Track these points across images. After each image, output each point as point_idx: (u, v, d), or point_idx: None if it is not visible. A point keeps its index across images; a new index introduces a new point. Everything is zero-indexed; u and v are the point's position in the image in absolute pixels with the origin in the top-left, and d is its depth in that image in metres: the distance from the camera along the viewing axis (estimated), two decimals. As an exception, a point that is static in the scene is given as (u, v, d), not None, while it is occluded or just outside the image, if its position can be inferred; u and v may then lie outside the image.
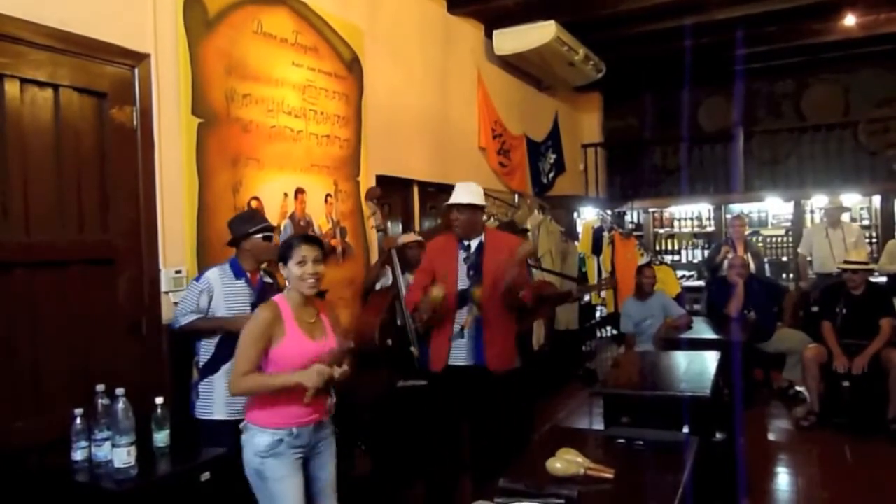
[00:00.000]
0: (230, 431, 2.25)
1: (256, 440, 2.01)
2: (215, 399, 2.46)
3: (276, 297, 2.10)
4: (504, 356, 2.86)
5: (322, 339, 2.09)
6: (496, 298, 2.78)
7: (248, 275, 2.57)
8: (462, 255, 2.89)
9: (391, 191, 4.11)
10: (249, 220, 2.61)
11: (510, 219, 4.88)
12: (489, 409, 2.80)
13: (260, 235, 2.55)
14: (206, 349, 2.50)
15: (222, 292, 2.49)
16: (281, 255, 2.08)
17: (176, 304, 2.61)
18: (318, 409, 2.10)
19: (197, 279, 2.53)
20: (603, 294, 6.15)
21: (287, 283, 2.11)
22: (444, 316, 2.80)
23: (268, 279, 2.65)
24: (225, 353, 2.40)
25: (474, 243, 2.89)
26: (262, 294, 2.53)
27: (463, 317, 2.83)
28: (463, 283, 2.85)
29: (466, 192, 2.89)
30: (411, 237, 3.67)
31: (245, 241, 2.55)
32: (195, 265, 2.72)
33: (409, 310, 3.13)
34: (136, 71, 2.51)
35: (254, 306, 2.43)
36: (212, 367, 2.48)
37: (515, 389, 3.01)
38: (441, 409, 2.85)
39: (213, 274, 2.52)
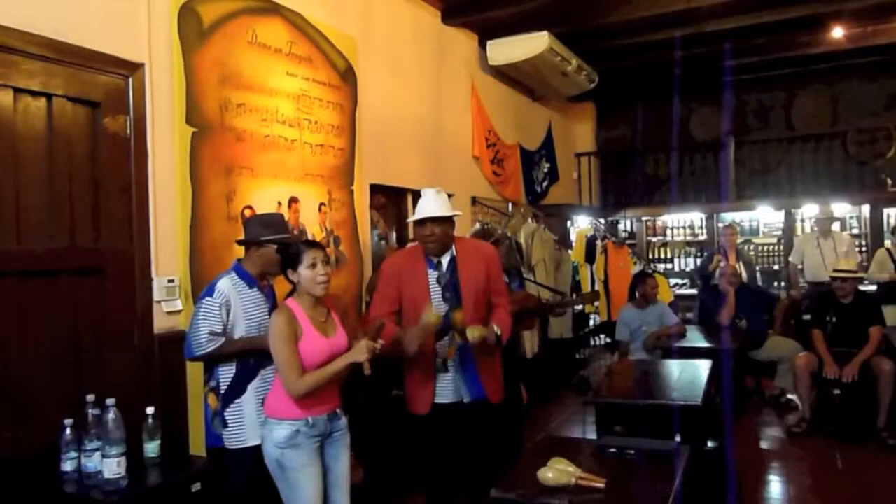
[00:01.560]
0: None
1: (276, 433, 2.12)
2: (247, 425, 2.27)
3: (288, 301, 2.21)
4: (500, 383, 2.60)
5: (334, 336, 2.22)
6: (480, 319, 2.44)
7: (258, 281, 2.39)
8: (433, 274, 2.50)
9: (385, 200, 4.13)
10: (269, 226, 2.38)
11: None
12: (489, 441, 2.54)
13: (274, 246, 2.32)
14: (226, 373, 2.30)
15: (240, 304, 2.30)
16: (290, 262, 2.17)
17: (170, 313, 2.60)
18: (331, 399, 2.22)
19: (210, 293, 2.26)
20: (595, 303, 6.17)
21: (298, 287, 2.19)
22: (421, 348, 2.41)
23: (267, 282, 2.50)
24: (248, 369, 2.29)
25: (445, 259, 2.51)
26: (273, 299, 2.45)
27: (444, 347, 2.47)
28: (439, 307, 2.44)
29: (439, 203, 2.47)
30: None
31: (257, 247, 2.37)
32: (188, 274, 2.71)
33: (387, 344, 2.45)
34: (130, 80, 2.51)
35: (270, 312, 2.32)
36: (237, 390, 2.30)
37: (515, 414, 2.80)
38: (434, 452, 2.56)
39: (225, 285, 2.28)
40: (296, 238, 2.69)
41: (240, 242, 2.47)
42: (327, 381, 2.12)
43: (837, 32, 5.70)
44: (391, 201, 4.34)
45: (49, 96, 2.26)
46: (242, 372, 2.31)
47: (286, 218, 3.25)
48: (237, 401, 2.30)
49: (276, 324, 2.12)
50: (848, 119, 7.32)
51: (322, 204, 3.54)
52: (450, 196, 2.72)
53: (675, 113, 7.56)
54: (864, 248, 6.56)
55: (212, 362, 2.31)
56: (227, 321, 2.27)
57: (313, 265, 2.16)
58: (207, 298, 2.26)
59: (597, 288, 6.14)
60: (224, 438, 2.29)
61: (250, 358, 2.31)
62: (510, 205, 5.78)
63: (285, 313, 2.14)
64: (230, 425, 2.28)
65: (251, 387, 2.31)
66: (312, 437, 2.15)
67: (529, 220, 5.62)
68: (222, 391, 2.30)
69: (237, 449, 2.28)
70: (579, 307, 6.08)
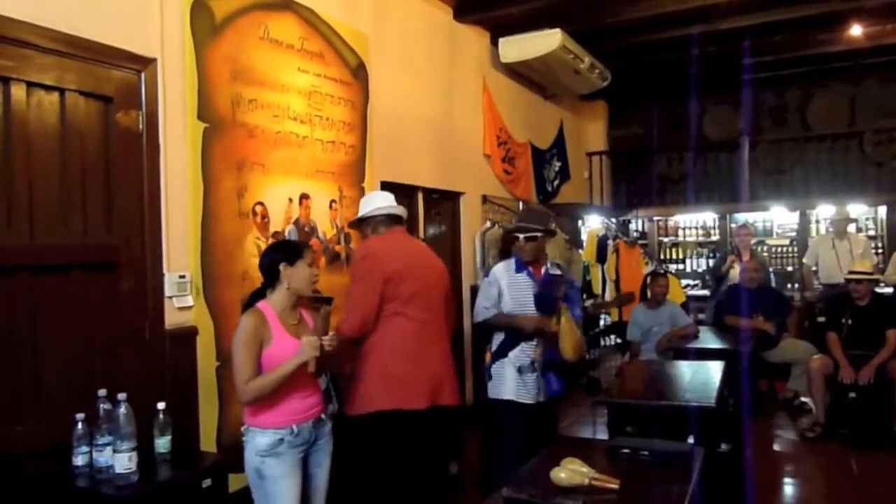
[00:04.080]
0: (515, 410, 2.83)
1: (258, 440, 2.07)
2: (506, 381, 2.87)
3: (260, 304, 2.16)
4: (351, 396, 2.61)
5: None
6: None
7: (530, 268, 2.94)
8: None
9: (395, 197, 4.10)
10: (542, 221, 3.01)
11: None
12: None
13: (524, 235, 2.92)
14: (498, 337, 2.94)
15: (507, 284, 2.92)
16: (288, 257, 2.16)
17: (181, 308, 2.62)
18: (316, 404, 2.21)
19: (486, 275, 3.04)
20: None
21: (282, 284, 2.16)
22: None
23: (556, 271, 3.00)
24: (511, 339, 2.90)
25: None
26: (547, 285, 2.91)
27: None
28: None
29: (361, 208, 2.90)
30: None
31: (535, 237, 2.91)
32: (199, 270, 2.71)
33: None
34: (143, 75, 2.51)
35: (536, 297, 2.88)
36: (501, 352, 2.90)
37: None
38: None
39: (498, 269, 2.98)
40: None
41: (541, 232, 2.95)
42: (275, 385, 2.04)
43: (856, 30, 5.61)
44: (402, 199, 4.31)
45: (62, 91, 2.26)
46: (507, 340, 2.90)
47: (299, 215, 3.27)
48: (501, 360, 2.89)
49: (240, 326, 2.09)
50: (865, 119, 7.21)
51: (333, 201, 3.53)
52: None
53: (690, 112, 7.49)
54: (880, 250, 6.46)
55: (489, 328, 2.97)
56: (497, 297, 2.91)
57: (312, 263, 2.19)
58: (484, 279, 3.02)
59: (608, 288, 6.08)
60: (488, 389, 2.92)
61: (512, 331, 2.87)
62: (521, 203, 5.74)
63: (254, 316, 2.10)
64: (493, 378, 2.91)
65: (512, 353, 2.89)
66: (296, 447, 2.11)
67: (540, 218, 5.57)
68: (493, 350, 2.93)
69: (494, 399, 2.89)
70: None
